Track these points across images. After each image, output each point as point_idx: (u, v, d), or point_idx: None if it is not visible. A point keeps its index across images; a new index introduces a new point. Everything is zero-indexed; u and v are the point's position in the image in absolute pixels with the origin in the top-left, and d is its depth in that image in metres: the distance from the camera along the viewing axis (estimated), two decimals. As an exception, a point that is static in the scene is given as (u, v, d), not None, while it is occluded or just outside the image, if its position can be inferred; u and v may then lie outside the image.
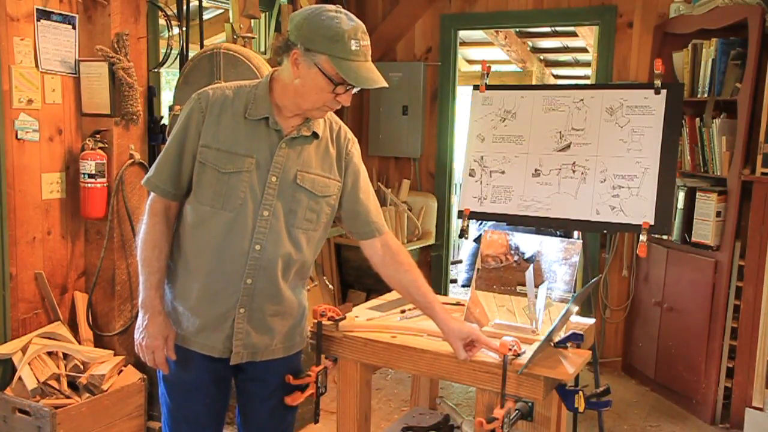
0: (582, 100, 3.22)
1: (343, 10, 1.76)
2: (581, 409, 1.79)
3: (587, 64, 7.25)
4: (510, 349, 1.78)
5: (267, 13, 4.20)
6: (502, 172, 3.33)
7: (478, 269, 2.20)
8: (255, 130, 1.81)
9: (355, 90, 1.78)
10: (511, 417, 1.79)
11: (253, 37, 3.66)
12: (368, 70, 1.74)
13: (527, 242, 2.17)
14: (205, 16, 4.16)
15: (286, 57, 1.77)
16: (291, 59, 1.74)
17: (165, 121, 3.38)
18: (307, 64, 1.72)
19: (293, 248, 1.84)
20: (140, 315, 1.84)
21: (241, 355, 1.86)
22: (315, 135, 1.87)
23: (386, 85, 1.77)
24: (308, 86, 1.74)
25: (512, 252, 2.18)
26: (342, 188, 1.94)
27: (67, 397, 2.87)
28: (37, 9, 2.97)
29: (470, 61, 7.89)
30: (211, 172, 1.79)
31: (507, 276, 2.14)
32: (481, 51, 7.44)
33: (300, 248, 1.86)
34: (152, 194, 1.86)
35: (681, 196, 3.74)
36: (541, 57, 7.67)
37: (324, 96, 1.75)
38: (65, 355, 3.00)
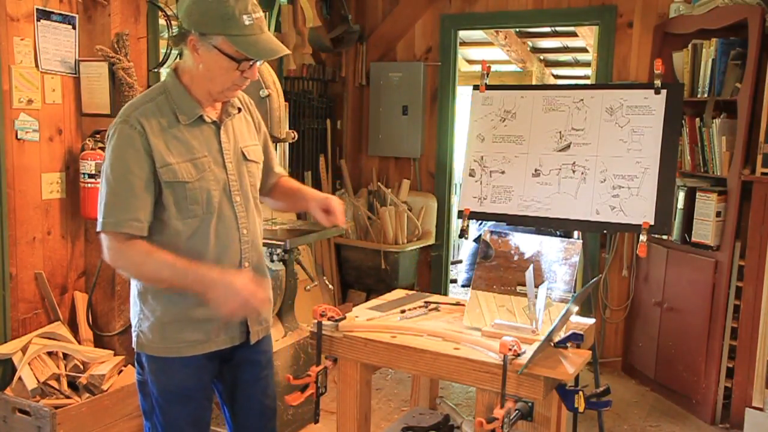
0: (582, 100, 3.22)
1: None
2: (581, 409, 1.79)
3: (587, 64, 7.25)
4: (510, 349, 1.78)
5: (267, 13, 4.20)
6: (502, 172, 3.33)
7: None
8: (195, 130, 1.83)
9: (258, 63, 1.79)
10: (511, 417, 1.79)
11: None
12: (267, 41, 1.75)
13: (527, 242, 2.18)
14: (205, 16, 4.15)
15: (184, 46, 1.77)
16: (189, 46, 1.75)
17: (165, 121, 3.38)
18: (206, 47, 1.73)
19: (259, 217, 1.98)
20: (207, 294, 1.69)
21: (257, 333, 1.96)
22: (239, 110, 1.94)
23: (288, 52, 1.81)
24: (213, 69, 1.76)
25: (512, 251, 2.18)
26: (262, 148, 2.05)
27: (67, 397, 2.87)
28: (37, 9, 2.97)
29: (470, 61, 7.89)
30: (180, 187, 1.77)
31: (507, 276, 2.14)
32: (481, 51, 7.44)
33: (260, 212, 2.00)
34: (104, 236, 1.75)
35: (681, 196, 3.74)
36: (541, 57, 7.67)
37: (231, 75, 1.77)
38: (65, 355, 3.00)
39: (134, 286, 1.89)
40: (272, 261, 3.16)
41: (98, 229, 1.77)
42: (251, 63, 1.76)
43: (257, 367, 2.01)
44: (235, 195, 1.86)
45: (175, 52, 3.51)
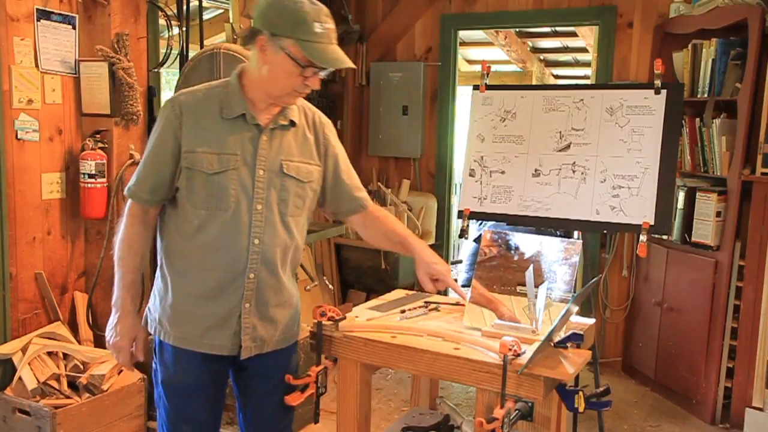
0: (582, 100, 3.22)
1: None
2: (581, 409, 1.79)
3: (587, 64, 7.25)
4: (510, 349, 1.78)
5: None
6: (502, 172, 3.33)
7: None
8: (234, 127, 1.83)
9: (323, 73, 1.79)
10: (511, 417, 1.78)
11: (253, 37, 3.65)
12: (334, 51, 1.76)
13: (527, 242, 2.17)
14: (205, 16, 4.16)
15: (252, 45, 1.79)
16: (257, 46, 1.76)
17: (165, 121, 3.38)
18: (274, 49, 1.74)
19: (287, 236, 1.89)
20: (112, 313, 1.87)
21: (250, 349, 1.89)
22: (292, 123, 1.90)
23: (353, 65, 1.80)
24: (277, 72, 1.76)
25: (512, 251, 2.18)
26: (324, 172, 1.99)
27: (67, 397, 2.87)
28: (37, 9, 2.97)
29: (470, 61, 7.89)
30: (200, 175, 1.80)
31: (507, 276, 2.14)
32: (481, 51, 7.44)
33: (293, 235, 1.91)
34: (129, 201, 1.88)
35: (681, 196, 3.74)
36: (541, 57, 7.67)
37: (293, 80, 1.77)
38: (65, 355, 3.00)
39: (159, 259, 1.93)
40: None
41: (125, 191, 1.90)
42: (315, 71, 1.76)
43: (269, 382, 1.98)
44: (257, 202, 1.82)
45: (175, 51, 3.51)
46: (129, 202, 1.88)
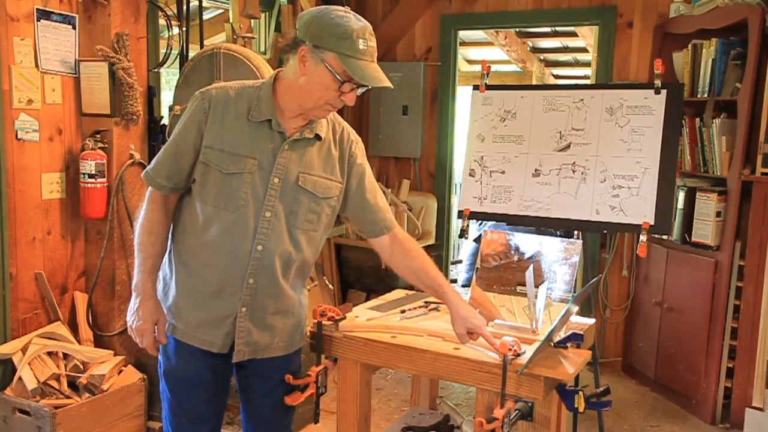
0: (582, 100, 3.22)
1: (351, 11, 1.79)
2: (581, 409, 1.79)
3: (587, 64, 7.25)
4: (510, 349, 1.78)
5: (267, 13, 4.20)
6: (502, 172, 3.33)
7: (477, 269, 2.20)
8: (258, 131, 1.82)
9: (359, 91, 1.78)
10: (511, 417, 1.79)
11: (253, 37, 3.66)
12: (375, 70, 1.75)
13: (527, 242, 2.17)
14: (205, 16, 4.16)
15: (293, 55, 1.77)
16: (298, 56, 1.74)
17: (165, 121, 3.38)
18: (315, 61, 1.73)
19: (293, 248, 1.86)
20: (132, 297, 1.87)
21: (242, 353, 1.88)
22: (318, 137, 1.87)
23: (391, 85, 1.78)
24: (314, 84, 1.74)
25: (512, 251, 2.18)
26: (346, 189, 1.95)
27: (67, 397, 2.87)
28: (37, 9, 2.97)
29: (470, 61, 7.89)
30: (215, 172, 1.80)
31: (507, 276, 2.14)
32: (481, 51, 7.44)
33: (300, 248, 1.87)
34: (148, 185, 1.89)
35: (681, 196, 3.74)
36: (541, 57, 7.67)
37: (329, 94, 1.75)
38: (65, 355, 3.00)
39: (168, 246, 1.94)
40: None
41: (141, 175, 1.92)
42: (353, 87, 1.75)
43: (268, 382, 1.98)
44: (266, 210, 1.80)
45: (175, 51, 3.51)
46: (149, 190, 1.89)
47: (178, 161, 1.84)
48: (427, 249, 4.90)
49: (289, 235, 1.85)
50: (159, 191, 1.87)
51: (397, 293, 2.52)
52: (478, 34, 6.66)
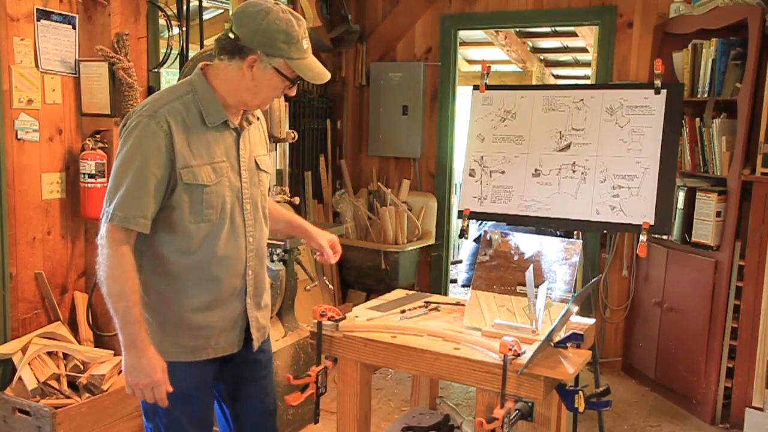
0: (582, 100, 3.22)
1: (281, 5, 1.79)
2: (581, 409, 1.79)
3: (587, 64, 7.25)
4: (510, 349, 1.78)
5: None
6: (502, 172, 3.33)
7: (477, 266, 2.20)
8: (218, 134, 1.84)
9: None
10: (511, 417, 1.79)
11: (253, 37, 3.65)
12: (318, 65, 1.83)
13: (527, 242, 2.18)
14: (205, 16, 4.16)
15: (238, 59, 1.78)
16: (246, 63, 1.76)
17: (165, 121, 3.38)
18: (264, 66, 1.76)
19: (266, 226, 1.99)
20: (127, 354, 1.71)
21: (258, 339, 1.96)
22: (257, 119, 1.99)
23: (329, 77, 1.86)
24: (262, 86, 1.80)
25: (512, 251, 2.18)
26: None
27: (67, 397, 2.87)
28: (37, 9, 2.97)
29: (470, 61, 7.89)
30: (198, 189, 1.77)
31: (507, 276, 2.14)
32: (481, 51, 7.44)
33: (267, 222, 2.01)
34: (109, 225, 1.74)
35: (681, 196, 3.73)
36: (541, 57, 7.67)
37: (276, 92, 1.84)
38: (65, 355, 3.00)
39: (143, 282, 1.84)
40: (272, 261, 3.16)
41: (106, 219, 1.74)
42: (297, 83, 1.83)
43: (258, 366, 2.02)
44: (246, 203, 1.88)
45: (175, 51, 3.51)
46: (107, 230, 1.74)
47: (157, 192, 1.73)
48: (427, 249, 4.91)
49: (263, 215, 1.96)
50: (124, 232, 1.72)
51: (397, 293, 2.52)
52: (478, 34, 6.66)
